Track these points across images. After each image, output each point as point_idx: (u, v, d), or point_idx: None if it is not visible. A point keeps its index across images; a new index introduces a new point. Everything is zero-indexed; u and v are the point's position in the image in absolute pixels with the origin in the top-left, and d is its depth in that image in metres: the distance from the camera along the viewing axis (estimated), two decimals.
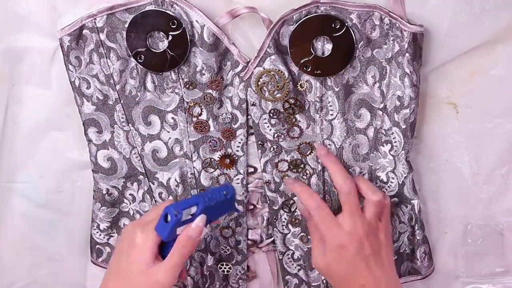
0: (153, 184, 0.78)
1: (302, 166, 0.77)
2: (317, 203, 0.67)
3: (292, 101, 0.73)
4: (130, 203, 0.80)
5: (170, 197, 0.78)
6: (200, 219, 0.65)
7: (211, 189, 0.74)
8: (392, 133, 0.74)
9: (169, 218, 0.64)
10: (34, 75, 0.77)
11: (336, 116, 0.74)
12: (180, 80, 0.73)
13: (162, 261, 0.64)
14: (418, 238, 0.77)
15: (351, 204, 0.66)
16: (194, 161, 0.77)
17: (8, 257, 0.85)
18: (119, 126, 0.76)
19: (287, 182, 0.74)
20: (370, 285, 0.65)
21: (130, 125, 0.76)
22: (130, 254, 0.64)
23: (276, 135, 0.75)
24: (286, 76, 0.71)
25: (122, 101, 0.75)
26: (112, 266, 0.67)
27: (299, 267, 0.80)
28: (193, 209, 0.65)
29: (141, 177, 0.78)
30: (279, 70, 0.71)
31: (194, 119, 0.75)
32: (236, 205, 0.76)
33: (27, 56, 0.76)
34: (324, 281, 0.80)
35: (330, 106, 0.73)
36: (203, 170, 0.77)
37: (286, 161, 0.76)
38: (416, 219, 0.77)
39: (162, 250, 0.65)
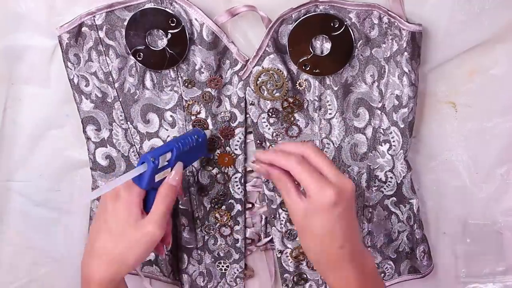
0: None
1: None
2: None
3: (291, 100, 0.73)
4: None
5: None
6: (178, 166, 0.67)
7: (183, 134, 0.74)
8: (391, 133, 0.74)
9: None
10: (33, 74, 0.77)
11: (335, 115, 0.74)
12: (179, 78, 0.73)
13: (147, 214, 0.64)
14: (417, 237, 0.77)
15: None
16: None
17: (8, 256, 0.85)
18: (118, 124, 0.76)
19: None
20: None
21: (128, 123, 0.76)
22: (116, 210, 0.63)
23: (274, 134, 0.75)
24: (285, 75, 0.71)
25: (120, 99, 0.75)
26: (97, 228, 0.65)
27: (297, 263, 0.80)
28: (168, 156, 0.66)
29: None
30: (278, 69, 0.71)
31: (193, 117, 0.75)
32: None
33: (26, 55, 0.76)
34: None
35: (329, 105, 0.73)
36: (201, 168, 0.77)
37: None
38: (415, 218, 0.77)
39: (145, 204, 0.65)
